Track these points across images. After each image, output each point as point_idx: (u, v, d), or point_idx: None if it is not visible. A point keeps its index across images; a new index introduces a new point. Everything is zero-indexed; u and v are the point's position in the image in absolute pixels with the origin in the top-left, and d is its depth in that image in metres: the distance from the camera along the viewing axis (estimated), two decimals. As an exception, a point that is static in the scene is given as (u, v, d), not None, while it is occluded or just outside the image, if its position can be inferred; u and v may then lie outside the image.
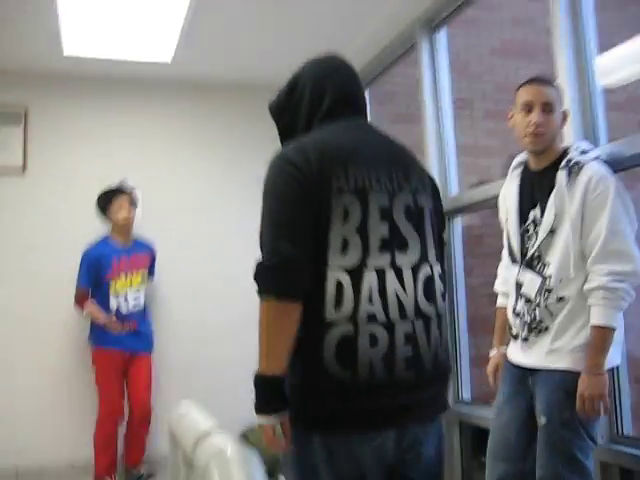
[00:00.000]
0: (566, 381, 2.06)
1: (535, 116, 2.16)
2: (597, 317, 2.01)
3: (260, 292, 1.49)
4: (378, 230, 1.54)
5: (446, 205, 3.40)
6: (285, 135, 1.76)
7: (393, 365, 1.50)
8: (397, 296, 1.52)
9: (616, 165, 2.21)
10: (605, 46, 2.94)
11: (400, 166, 1.63)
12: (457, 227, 3.54)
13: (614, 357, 2.11)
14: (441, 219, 1.73)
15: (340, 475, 1.52)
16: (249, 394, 1.53)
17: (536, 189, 2.22)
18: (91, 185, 4.15)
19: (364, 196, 1.54)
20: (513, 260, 2.28)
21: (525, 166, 2.29)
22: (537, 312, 2.14)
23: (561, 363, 2.09)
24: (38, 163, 4.30)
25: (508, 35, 4.97)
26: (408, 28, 3.77)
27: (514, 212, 2.26)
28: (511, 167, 2.36)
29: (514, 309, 2.23)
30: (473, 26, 5.02)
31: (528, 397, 2.19)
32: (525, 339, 2.19)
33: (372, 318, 1.49)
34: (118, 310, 3.85)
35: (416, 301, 1.55)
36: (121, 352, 3.82)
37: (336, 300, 1.48)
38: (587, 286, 2.04)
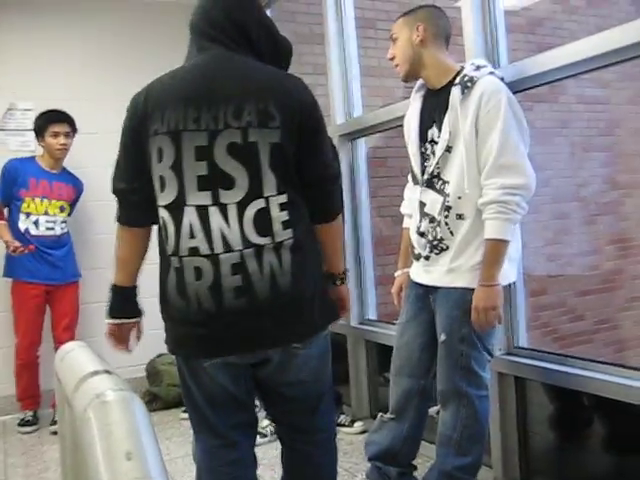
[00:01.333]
0: (464, 298, 2.11)
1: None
2: (490, 230, 2.05)
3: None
4: (194, 169, 1.58)
5: (349, 127, 3.43)
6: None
7: (221, 295, 1.57)
8: (222, 231, 1.57)
9: (516, 86, 2.23)
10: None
11: (236, 102, 1.58)
12: (361, 149, 3.52)
13: (510, 273, 2.18)
14: (305, 146, 1.65)
15: (206, 391, 1.71)
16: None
17: (433, 108, 2.22)
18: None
19: (177, 136, 1.58)
20: (415, 181, 2.29)
21: (426, 87, 2.28)
22: (438, 230, 2.17)
23: (460, 282, 2.14)
24: None
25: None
26: (310, -58, 3.61)
27: (414, 133, 2.27)
28: (414, 88, 2.34)
29: (418, 229, 2.25)
30: (377, -58, 4.89)
31: (430, 315, 2.25)
32: (427, 257, 2.22)
33: (194, 252, 1.57)
34: (27, 231, 3.64)
35: (243, 234, 1.57)
36: (36, 285, 3.66)
37: (165, 236, 1.62)
38: (480, 200, 2.06)
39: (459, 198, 2.10)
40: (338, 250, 1.84)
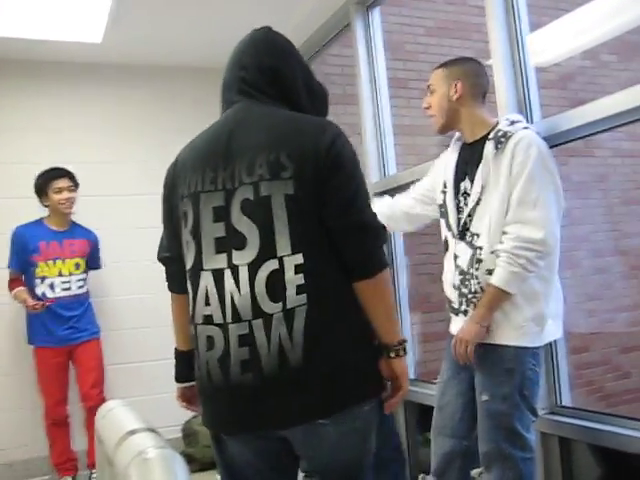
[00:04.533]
0: (505, 356, 2.07)
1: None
2: (496, 277, 2.04)
3: None
4: (212, 231, 1.52)
5: (384, 185, 3.46)
6: None
7: (228, 368, 1.47)
8: (232, 297, 1.47)
9: (549, 141, 2.23)
10: (535, 25, 2.96)
11: (249, 156, 1.50)
12: (396, 207, 3.52)
13: (554, 331, 2.14)
14: (327, 190, 1.49)
15: (226, 464, 1.65)
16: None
17: (466, 161, 2.23)
18: (15, 170, 4.02)
19: (196, 198, 1.54)
20: (451, 233, 2.27)
21: (463, 140, 2.30)
22: (472, 283, 2.14)
23: (499, 339, 2.10)
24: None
25: (442, 15, 4.99)
26: (342, 9, 3.73)
27: (450, 185, 2.27)
28: (453, 139, 2.36)
29: (453, 282, 2.23)
30: (407, 6, 5.02)
31: (471, 373, 2.20)
32: (465, 312, 2.19)
33: (208, 320, 1.50)
34: (44, 295, 3.67)
35: (254, 300, 1.44)
36: (57, 349, 3.67)
37: (187, 301, 1.58)
38: (496, 247, 2.05)
39: (491, 253, 2.08)
40: (382, 315, 1.56)
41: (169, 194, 1.66)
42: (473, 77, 2.25)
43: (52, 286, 3.67)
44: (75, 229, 3.85)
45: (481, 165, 2.13)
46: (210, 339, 1.48)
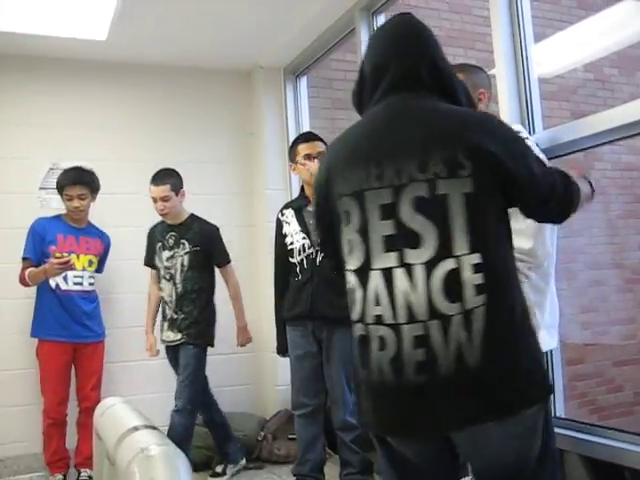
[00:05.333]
0: None
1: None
2: None
3: None
4: (380, 230, 1.47)
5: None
6: None
7: (401, 369, 1.42)
8: (406, 297, 1.42)
9: (550, 153, 2.24)
10: (539, 37, 2.98)
11: (419, 152, 1.46)
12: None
13: (550, 341, 2.14)
14: (519, 180, 1.49)
15: (392, 464, 1.62)
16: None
17: None
18: (18, 167, 4.03)
19: (361, 197, 1.50)
20: None
21: None
22: None
23: None
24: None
25: (447, 24, 5.01)
26: (347, 13, 3.74)
27: None
28: None
29: None
30: (412, 13, 5.03)
31: None
32: None
33: (379, 320, 1.46)
34: (57, 286, 3.66)
35: (429, 300, 1.41)
36: (65, 344, 3.64)
37: (351, 302, 1.53)
38: None
39: None
40: None
41: (326, 195, 1.60)
42: (489, 87, 2.24)
43: (65, 278, 3.67)
44: (91, 228, 3.89)
45: None
46: (382, 339, 1.45)
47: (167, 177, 3.59)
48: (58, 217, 3.83)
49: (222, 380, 4.27)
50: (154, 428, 0.98)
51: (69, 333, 3.65)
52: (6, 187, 4.07)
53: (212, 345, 3.65)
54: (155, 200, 3.57)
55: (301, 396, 3.11)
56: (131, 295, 4.15)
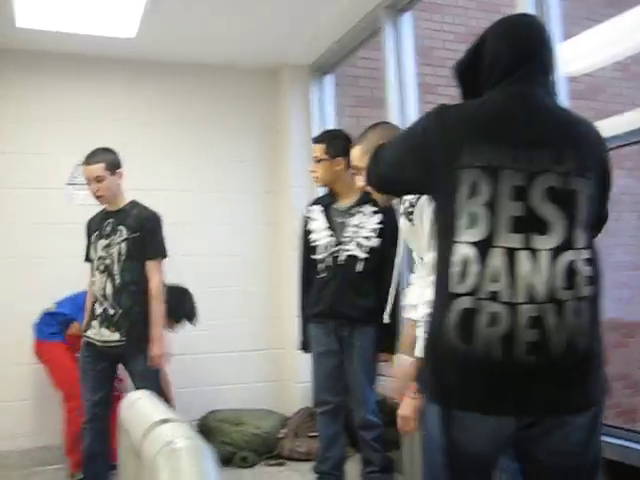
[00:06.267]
0: None
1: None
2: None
3: None
4: (509, 209, 1.51)
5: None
6: (465, 97, 1.72)
7: (512, 347, 1.45)
8: (527, 278, 1.47)
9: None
10: (567, 35, 2.95)
11: (556, 146, 1.54)
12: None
13: None
14: (603, 205, 1.67)
15: (455, 448, 1.55)
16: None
17: None
18: (46, 162, 4.07)
19: (494, 173, 1.52)
20: None
21: None
22: None
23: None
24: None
25: (473, 22, 4.97)
26: (373, 12, 3.73)
27: None
28: None
29: None
30: (438, 11, 5.01)
31: None
32: None
33: (494, 296, 1.47)
34: None
35: (550, 285, 1.47)
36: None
37: (461, 274, 1.51)
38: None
39: None
40: None
41: (437, 154, 1.59)
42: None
43: None
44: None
45: None
46: (493, 315, 1.47)
47: (101, 154, 3.20)
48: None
49: (243, 377, 4.31)
50: (180, 422, 0.99)
51: None
52: (37, 182, 4.13)
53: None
54: (89, 181, 3.19)
55: (323, 393, 3.12)
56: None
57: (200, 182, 4.49)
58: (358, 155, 2.22)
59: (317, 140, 3.22)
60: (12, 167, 4.12)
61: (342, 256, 3.02)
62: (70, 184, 4.17)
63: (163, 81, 4.50)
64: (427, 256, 1.96)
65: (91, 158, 3.19)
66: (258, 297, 4.51)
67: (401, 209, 2.13)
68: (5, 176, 4.12)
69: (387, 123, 2.38)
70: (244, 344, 3.86)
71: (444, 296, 1.54)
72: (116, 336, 3.11)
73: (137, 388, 2.94)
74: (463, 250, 1.52)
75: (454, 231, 1.54)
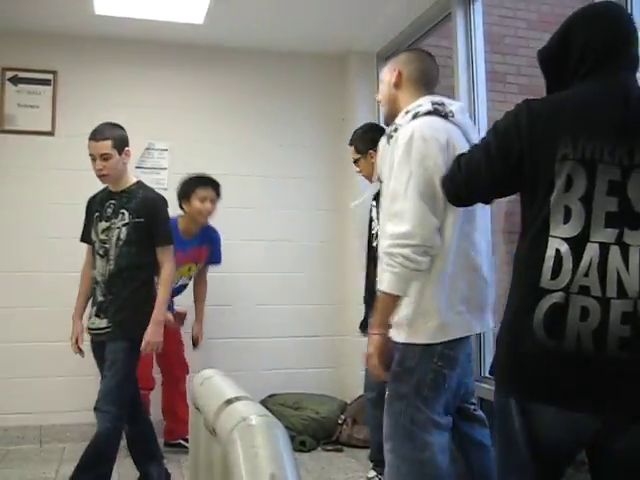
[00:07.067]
0: (402, 354, 2.05)
1: None
2: (380, 282, 1.98)
3: None
4: (604, 204, 1.50)
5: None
6: (550, 85, 1.72)
7: (604, 342, 1.45)
8: (618, 273, 1.47)
9: None
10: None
11: None
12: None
13: (461, 326, 2.08)
14: None
15: (535, 442, 1.55)
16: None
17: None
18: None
19: (592, 167, 1.51)
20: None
21: None
22: None
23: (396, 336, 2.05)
24: (67, 126, 4.25)
25: (546, 8, 4.84)
26: (444, -2, 3.68)
27: None
28: None
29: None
30: (510, -2, 4.89)
31: None
32: None
33: (585, 291, 1.48)
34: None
35: None
36: None
37: (553, 269, 1.50)
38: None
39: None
40: None
41: (528, 148, 1.58)
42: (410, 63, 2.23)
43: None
44: (201, 235, 3.79)
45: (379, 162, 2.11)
46: (585, 310, 1.47)
47: (110, 131, 2.99)
48: (175, 225, 3.49)
49: (304, 362, 4.35)
50: (253, 400, 1.02)
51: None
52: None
53: (137, 341, 2.88)
54: (94, 158, 2.96)
55: (370, 379, 3.12)
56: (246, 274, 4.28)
57: (265, 167, 4.54)
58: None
59: (349, 143, 3.28)
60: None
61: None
62: (139, 167, 4.26)
63: (230, 67, 4.55)
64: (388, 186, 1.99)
65: (98, 134, 2.97)
66: (322, 283, 4.54)
67: (387, 130, 2.12)
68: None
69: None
70: (307, 329, 3.89)
71: (531, 292, 1.52)
72: (104, 323, 2.95)
73: (103, 376, 2.87)
74: (558, 246, 1.51)
75: (548, 225, 1.53)
